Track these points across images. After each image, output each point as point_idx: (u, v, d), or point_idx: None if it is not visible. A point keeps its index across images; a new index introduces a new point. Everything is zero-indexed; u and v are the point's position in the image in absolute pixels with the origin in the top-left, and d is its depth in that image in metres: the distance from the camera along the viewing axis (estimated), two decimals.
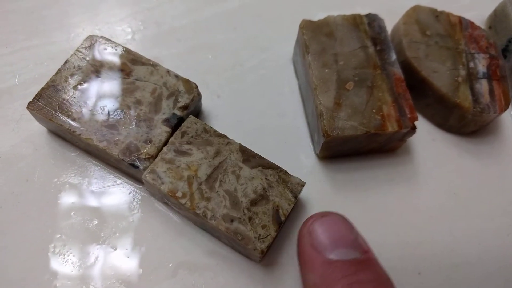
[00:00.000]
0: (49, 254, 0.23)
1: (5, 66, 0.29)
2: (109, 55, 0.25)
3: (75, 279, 0.23)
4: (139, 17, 0.31)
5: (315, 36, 0.27)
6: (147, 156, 0.23)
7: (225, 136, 0.24)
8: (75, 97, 0.24)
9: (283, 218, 0.22)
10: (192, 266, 0.23)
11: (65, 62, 0.25)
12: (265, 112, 0.28)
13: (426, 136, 0.29)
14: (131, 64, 0.25)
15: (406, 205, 0.26)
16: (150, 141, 0.23)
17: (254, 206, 0.22)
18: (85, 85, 0.25)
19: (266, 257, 0.24)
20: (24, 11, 0.31)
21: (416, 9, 0.29)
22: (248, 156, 0.23)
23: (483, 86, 0.27)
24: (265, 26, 0.31)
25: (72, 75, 0.25)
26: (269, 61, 0.30)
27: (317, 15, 0.29)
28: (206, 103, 0.28)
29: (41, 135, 0.26)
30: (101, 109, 0.24)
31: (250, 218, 0.22)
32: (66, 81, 0.25)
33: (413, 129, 0.25)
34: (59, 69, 0.25)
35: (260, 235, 0.21)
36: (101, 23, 0.31)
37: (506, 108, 0.27)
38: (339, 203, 0.26)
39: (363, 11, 0.29)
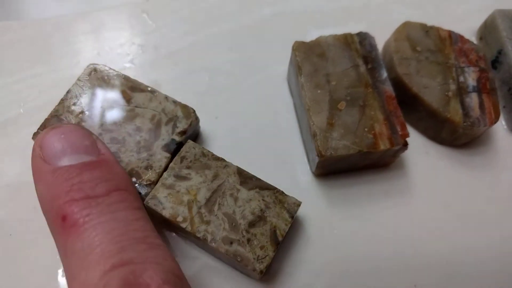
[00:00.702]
0: (59, 279, 0.24)
1: (11, 95, 0.30)
2: (109, 83, 0.26)
3: None
4: (138, 42, 0.32)
5: (308, 57, 0.28)
6: (148, 183, 0.24)
7: (223, 159, 0.25)
8: None
9: (280, 238, 0.23)
10: (194, 284, 0.24)
11: (68, 92, 0.26)
12: (262, 131, 0.29)
13: (419, 149, 0.29)
14: (130, 91, 0.26)
15: (401, 218, 0.27)
16: (151, 167, 0.24)
17: (252, 228, 0.23)
18: (87, 114, 0.26)
19: (265, 275, 0.24)
20: (28, 40, 0.32)
21: (406, 25, 0.30)
22: (245, 178, 0.24)
23: (473, 99, 0.28)
24: (260, 46, 0.32)
25: (74, 104, 0.26)
26: (265, 81, 0.31)
27: (311, 33, 0.30)
28: (205, 125, 0.29)
29: None
30: (102, 138, 0.25)
31: (248, 240, 0.22)
32: (68, 110, 0.26)
33: (405, 145, 0.26)
34: (62, 99, 0.26)
35: (258, 256, 0.22)
36: (102, 49, 0.32)
37: (496, 120, 0.27)
38: (336, 218, 0.27)
39: (357, 27, 0.30)
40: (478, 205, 0.28)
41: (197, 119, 0.27)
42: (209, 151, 0.25)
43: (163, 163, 0.24)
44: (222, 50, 0.32)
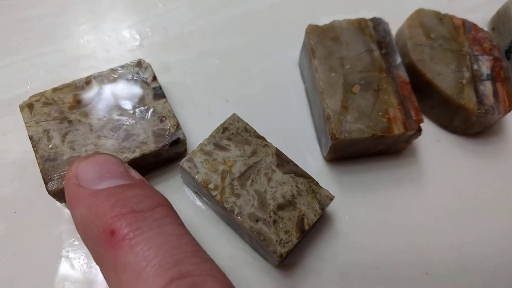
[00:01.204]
0: (62, 259, 0.24)
1: (18, 74, 0.29)
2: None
3: (90, 283, 0.23)
4: (147, 24, 0.32)
5: (321, 41, 0.28)
6: (175, 128, 0.24)
7: (264, 138, 0.24)
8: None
9: (307, 227, 0.22)
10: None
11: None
12: (273, 115, 0.29)
13: (431, 137, 0.29)
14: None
15: (412, 205, 0.27)
16: (164, 118, 0.24)
17: (280, 211, 0.22)
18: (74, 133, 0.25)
19: (283, 262, 0.24)
20: (34, 19, 0.31)
21: (420, 12, 0.30)
22: (282, 161, 0.24)
23: (487, 87, 0.28)
24: (271, 31, 0.32)
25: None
26: (276, 66, 0.30)
27: (322, 20, 0.29)
28: (215, 108, 0.28)
29: None
30: (110, 135, 0.24)
31: (274, 221, 0.22)
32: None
33: (419, 131, 0.25)
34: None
35: (282, 239, 0.22)
36: (110, 29, 0.31)
37: (510, 109, 0.27)
38: (347, 204, 0.26)
39: (368, 15, 0.29)
40: (489, 194, 0.27)
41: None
42: (252, 127, 0.25)
43: (168, 107, 0.25)
44: (233, 34, 0.31)
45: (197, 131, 0.27)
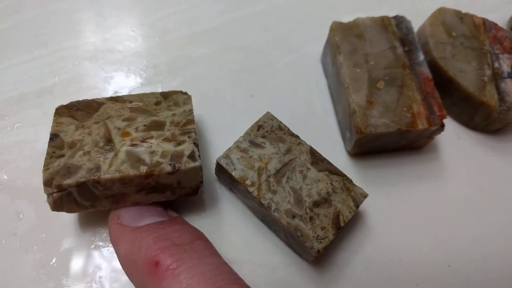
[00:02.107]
0: (92, 246, 0.24)
1: (45, 66, 0.30)
2: None
3: (115, 269, 0.23)
4: (173, 19, 0.32)
5: (346, 37, 0.28)
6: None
7: (297, 136, 0.25)
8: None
9: (342, 224, 0.23)
10: (244, 260, 0.24)
11: None
12: (296, 110, 0.29)
13: (451, 134, 0.30)
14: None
15: (434, 200, 0.27)
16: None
17: (316, 208, 0.23)
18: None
19: (318, 259, 0.24)
20: (62, 13, 0.32)
21: (441, 11, 0.30)
22: (316, 159, 0.24)
23: (508, 85, 0.28)
24: (294, 27, 0.32)
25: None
26: (299, 61, 0.31)
27: (344, 17, 0.30)
28: (239, 102, 0.29)
29: None
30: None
31: (311, 218, 0.22)
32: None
33: (442, 126, 0.26)
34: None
35: (318, 235, 0.22)
36: (136, 24, 0.32)
37: None
38: (370, 198, 0.27)
39: (389, 14, 0.30)
40: (509, 189, 0.28)
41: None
42: (285, 125, 0.25)
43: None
44: (257, 30, 0.32)
45: (222, 124, 0.28)
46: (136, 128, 0.23)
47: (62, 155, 0.21)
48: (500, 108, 0.27)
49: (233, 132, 0.25)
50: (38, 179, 0.26)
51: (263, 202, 0.23)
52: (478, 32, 0.30)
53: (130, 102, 0.24)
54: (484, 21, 0.31)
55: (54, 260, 0.24)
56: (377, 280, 0.24)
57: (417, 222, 0.26)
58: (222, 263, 0.18)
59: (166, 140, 0.22)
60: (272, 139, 0.25)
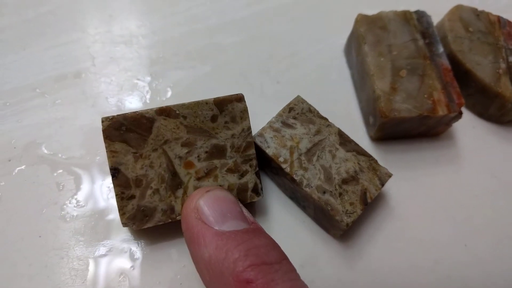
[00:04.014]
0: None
1: (83, 48, 0.31)
2: None
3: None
4: (202, 9, 0.34)
5: (370, 29, 0.30)
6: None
7: (326, 119, 0.26)
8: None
9: (369, 200, 0.24)
10: (273, 235, 0.25)
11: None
12: (320, 97, 0.31)
13: (467, 124, 0.31)
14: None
15: (451, 184, 0.29)
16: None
17: (345, 185, 0.24)
18: None
19: (344, 235, 0.26)
20: (97, 0, 0.33)
21: (459, 7, 0.32)
22: (344, 140, 0.26)
23: None
24: (318, 20, 0.34)
25: None
26: (323, 52, 0.33)
27: (365, 12, 0.31)
28: (268, 88, 0.30)
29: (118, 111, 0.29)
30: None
31: (340, 194, 0.24)
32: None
33: (460, 113, 0.28)
34: None
35: (347, 210, 0.23)
36: (167, 13, 0.33)
37: None
38: (392, 180, 0.28)
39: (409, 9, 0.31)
40: None
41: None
42: (315, 108, 0.27)
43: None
44: (283, 21, 0.34)
45: (251, 107, 0.29)
46: (198, 156, 0.23)
47: (133, 196, 0.22)
48: None
49: (262, 116, 0.27)
50: (77, 153, 0.27)
51: (295, 178, 0.24)
52: (494, 29, 0.32)
53: (184, 117, 0.23)
54: (499, 19, 0.32)
55: (94, 229, 0.25)
56: (398, 256, 0.26)
57: (435, 204, 0.28)
58: (307, 287, 0.18)
59: (230, 171, 0.23)
60: (302, 121, 0.26)
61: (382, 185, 0.25)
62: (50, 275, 0.23)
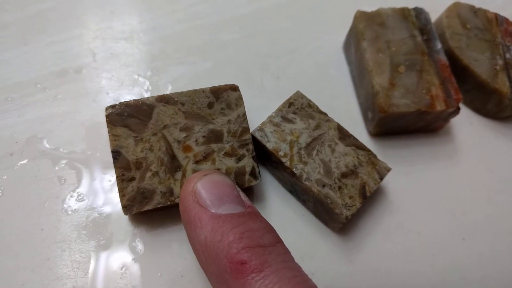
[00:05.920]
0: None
1: (84, 44, 0.31)
2: None
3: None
4: (203, 6, 0.34)
5: (369, 25, 0.30)
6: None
7: (325, 114, 0.27)
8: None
9: (368, 194, 0.24)
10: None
11: None
12: (320, 93, 0.31)
13: (464, 119, 0.32)
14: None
15: (449, 179, 0.29)
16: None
17: (344, 178, 0.24)
18: None
19: (342, 229, 0.26)
20: None
21: (457, 5, 0.33)
22: (343, 135, 0.26)
23: None
24: (317, 17, 0.34)
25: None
26: (322, 49, 0.33)
27: (364, 9, 0.32)
28: (268, 83, 0.31)
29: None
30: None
31: (339, 187, 0.24)
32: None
33: (458, 109, 0.28)
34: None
35: (346, 203, 0.24)
36: (168, 10, 0.34)
37: None
38: (390, 175, 0.29)
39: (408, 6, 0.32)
40: None
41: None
42: (314, 103, 0.27)
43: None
44: (283, 18, 0.34)
45: (251, 102, 0.30)
46: (196, 140, 0.23)
47: (133, 178, 0.22)
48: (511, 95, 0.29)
49: (262, 111, 0.27)
50: (79, 147, 0.27)
51: (295, 172, 0.24)
52: (491, 26, 0.32)
53: (182, 104, 0.24)
54: (496, 16, 0.33)
55: (95, 222, 0.25)
56: (396, 250, 0.26)
57: (433, 198, 0.28)
58: (301, 269, 0.19)
59: (227, 155, 0.24)
60: (302, 115, 0.26)
61: (381, 179, 0.25)
62: (53, 268, 0.24)
